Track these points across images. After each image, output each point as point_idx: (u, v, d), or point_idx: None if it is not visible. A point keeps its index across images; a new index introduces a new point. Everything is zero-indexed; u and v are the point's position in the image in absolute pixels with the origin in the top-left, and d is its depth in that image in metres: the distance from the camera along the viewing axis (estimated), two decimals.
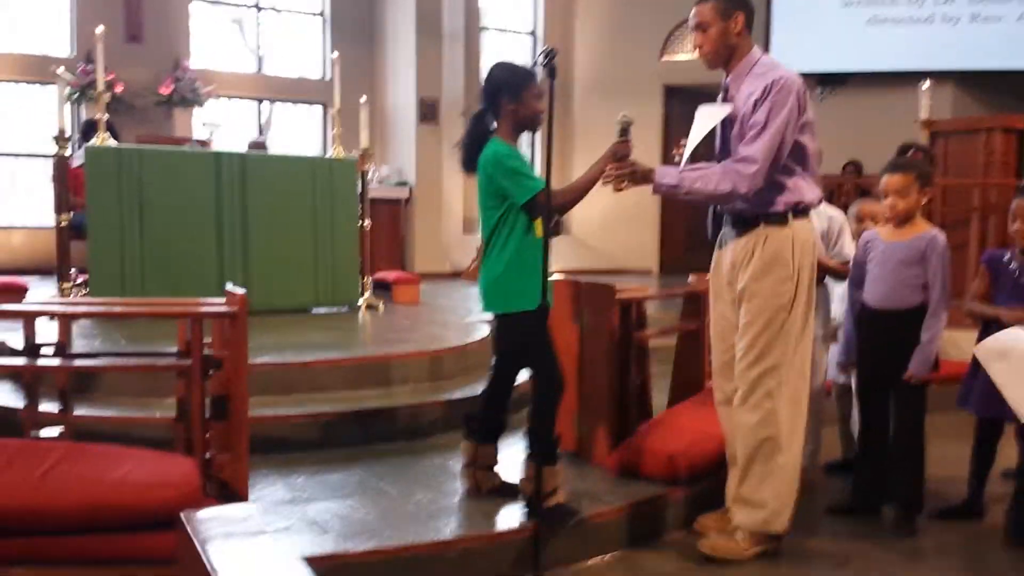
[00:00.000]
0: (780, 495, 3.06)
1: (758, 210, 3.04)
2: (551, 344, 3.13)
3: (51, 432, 3.00)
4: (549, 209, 2.91)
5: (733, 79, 3.10)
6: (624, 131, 3.03)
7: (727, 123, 3.08)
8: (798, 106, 2.98)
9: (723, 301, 3.21)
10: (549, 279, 2.95)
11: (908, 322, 3.30)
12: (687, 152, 3.04)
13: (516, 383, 3.31)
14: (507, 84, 3.05)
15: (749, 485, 3.08)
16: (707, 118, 3.08)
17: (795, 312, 3.01)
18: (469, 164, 3.10)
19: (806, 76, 11.45)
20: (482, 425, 3.27)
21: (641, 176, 3.01)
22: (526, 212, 3.00)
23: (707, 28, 3.06)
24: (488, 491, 3.24)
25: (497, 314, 3.13)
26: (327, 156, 6.66)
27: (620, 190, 3.03)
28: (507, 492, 3.22)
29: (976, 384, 3.30)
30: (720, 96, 3.17)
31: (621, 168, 2.99)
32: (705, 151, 3.07)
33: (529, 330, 3.02)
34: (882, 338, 3.37)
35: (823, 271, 3.59)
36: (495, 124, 3.10)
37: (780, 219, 3.02)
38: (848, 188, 8.83)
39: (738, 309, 3.10)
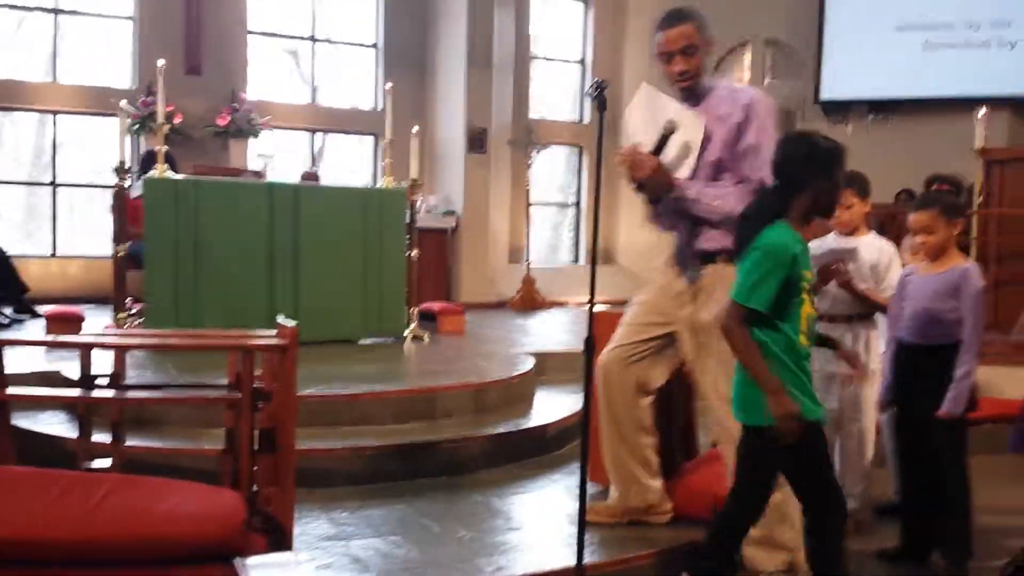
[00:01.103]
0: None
1: (724, 244, 3.01)
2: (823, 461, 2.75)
3: (103, 463, 3.07)
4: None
5: (688, 99, 3.12)
6: (664, 138, 3.01)
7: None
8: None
9: (665, 303, 3.20)
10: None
11: (943, 358, 3.22)
12: (667, 152, 3.03)
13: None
14: (816, 161, 2.66)
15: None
16: (691, 128, 3.04)
17: None
18: (745, 244, 2.66)
19: (858, 103, 11.28)
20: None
21: (661, 177, 3.00)
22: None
23: (695, 52, 3.08)
24: None
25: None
26: (377, 186, 6.75)
27: (638, 182, 3.00)
28: None
29: None
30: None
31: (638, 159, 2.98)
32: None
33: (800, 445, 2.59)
34: (917, 374, 3.30)
35: (872, 306, 3.54)
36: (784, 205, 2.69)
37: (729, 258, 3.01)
38: (901, 218, 8.66)
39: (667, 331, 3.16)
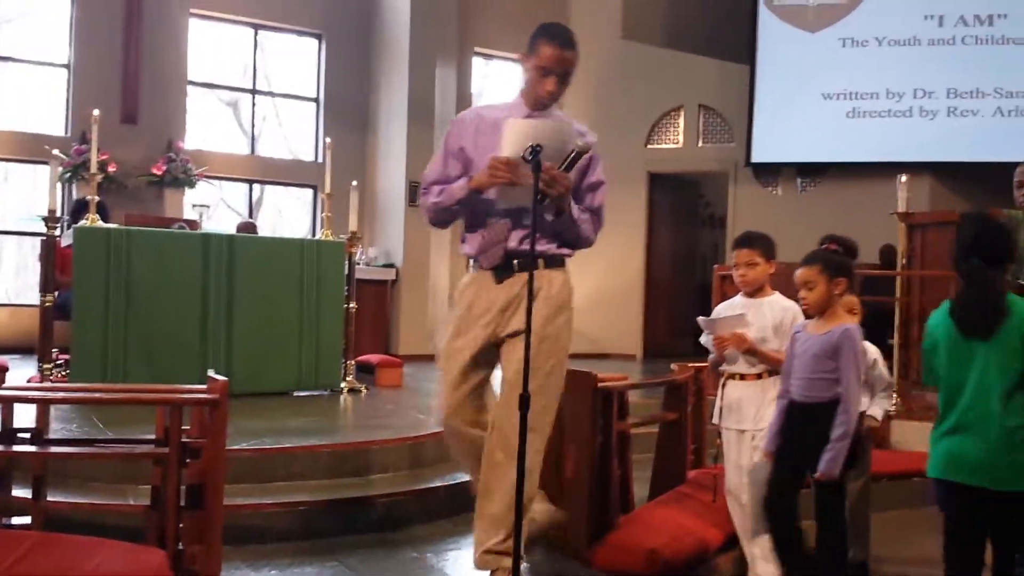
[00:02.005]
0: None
1: (542, 250, 3.18)
2: None
3: (23, 520, 2.97)
4: None
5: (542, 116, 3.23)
6: (577, 157, 3.06)
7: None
8: None
9: (476, 333, 3.21)
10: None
11: (825, 417, 3.17)
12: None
13: None
14: (1002, 242, 2.80)
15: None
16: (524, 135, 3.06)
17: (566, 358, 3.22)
18: (987, 326, 2.67)
19: (786, 166, 11.64)
20: None
21: (568, 196, 3.12)
22: None
23: (568, 81, 3.20)
24: None
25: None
26: (316, 238, 6.73)
27: (551, 196, 3.03)
28: None
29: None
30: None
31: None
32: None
33: None
34: (801, 432, 3.24)
35: (775, 364, 3.48)
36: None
37: (561, 263, 3.27)
38: None
39: (498, 346, 3.20)
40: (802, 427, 3.23)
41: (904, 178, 6.32)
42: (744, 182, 10.85)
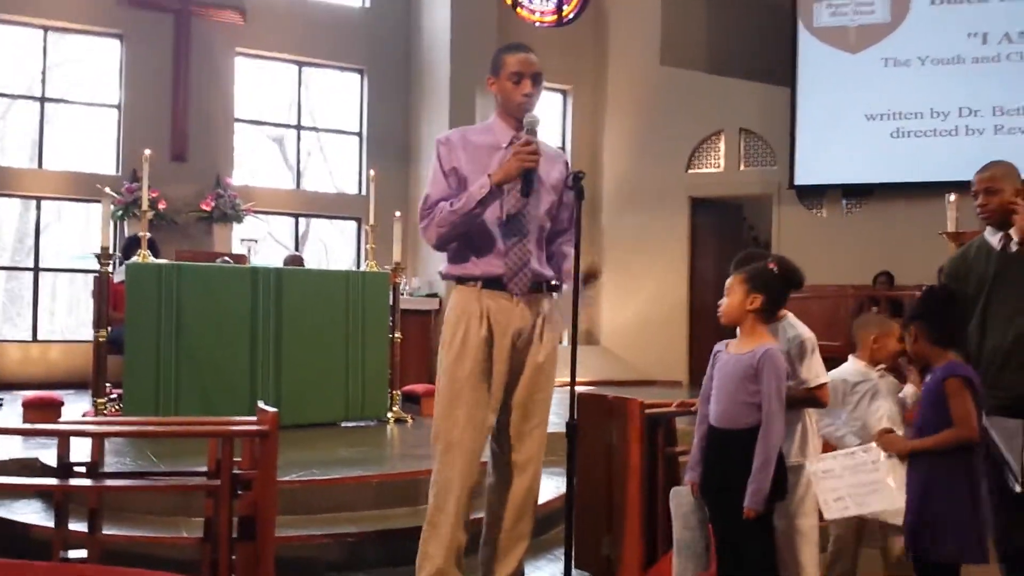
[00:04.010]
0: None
1: (548, 275, 3.25)
2: None
3: (79, 553, 3.02)
4: None
5: (516, 127, 3.24)
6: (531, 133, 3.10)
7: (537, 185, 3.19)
8: None
9: (496, 371, 3.18)
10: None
11: (747, 444, 2.89)
12: None
13: None
14: None
15: None
16: None
17: None
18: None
19: (830, 188, 11.52)
20: None
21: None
22: None
23: (540, 79, 3.20)
24: None
25: None
26: (361, 270, 6.80)
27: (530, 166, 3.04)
28: None
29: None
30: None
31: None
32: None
33: None
34: (722, 459, 2.97)
35: (799, 401, 3.20)
36: None
37: (555, 288, 3.28)
38: (882, 300, 8.77)
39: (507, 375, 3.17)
40: (723, 454, 2.97)
41: (953, 197, 6.21)
42: (788, 205, 10.76)
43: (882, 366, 3.56)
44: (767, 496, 2.83)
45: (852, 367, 3.57)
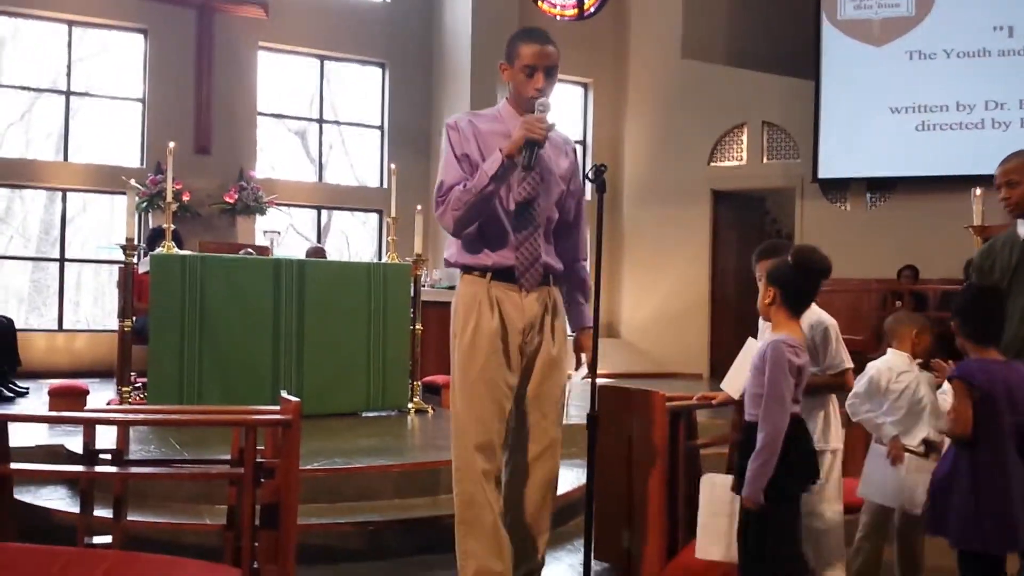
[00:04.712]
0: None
1: (557, 268, 3.20)
2: None
3: (104, 539, 3.05)
4: None
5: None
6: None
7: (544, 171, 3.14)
8: None
9: (510, 361, 3.12)
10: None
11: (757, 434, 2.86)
12: None
13: None
14: None
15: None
16: None
17: None
18: None
19: (855, 181, 11.41)
20: None
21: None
22: None
23: (555, 73, 3.11)
24: None
25: None
26: (382, 262, 6.83)
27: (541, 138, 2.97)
28: None
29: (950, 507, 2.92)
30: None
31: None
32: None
33: None
34: (744, 449, 2.93)
35: (822, 387, 3.28)
36: None
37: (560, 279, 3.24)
38: (905, 294, 8.70)
39: (521, 367, 3.13)
40: (744, 445, 2.95)
41: (979, 191, 6.14)
42: (811, 198, 10.68)
43: (919, 360, 3.55)
44: (765, 487, 2.77)
45: (896, 358, 3.55)
